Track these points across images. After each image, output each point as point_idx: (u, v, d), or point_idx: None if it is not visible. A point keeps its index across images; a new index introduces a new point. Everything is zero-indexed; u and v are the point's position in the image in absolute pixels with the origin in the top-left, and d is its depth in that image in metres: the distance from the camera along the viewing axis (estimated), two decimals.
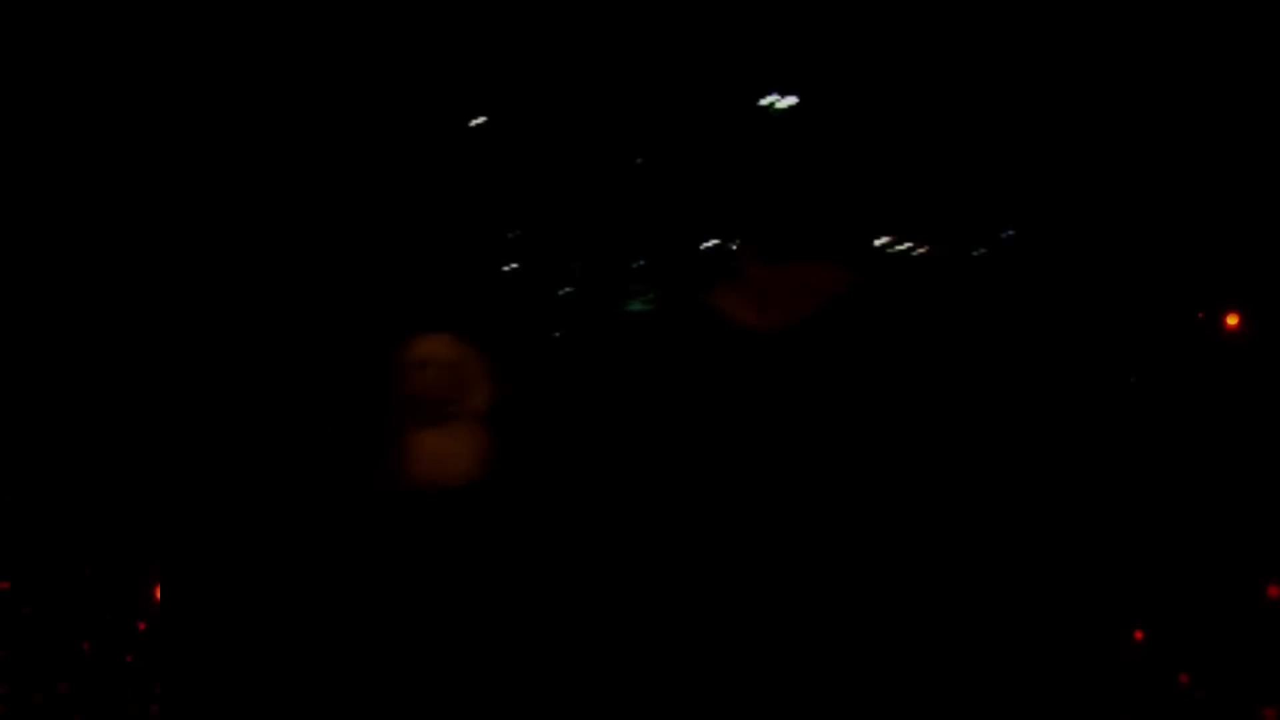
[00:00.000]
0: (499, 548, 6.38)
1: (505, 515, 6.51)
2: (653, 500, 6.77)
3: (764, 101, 21.83)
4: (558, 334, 18.14)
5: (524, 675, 6.74)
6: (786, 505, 7.72)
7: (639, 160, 23.55)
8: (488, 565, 6.29)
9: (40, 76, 11.65)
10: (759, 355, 6.55)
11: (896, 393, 10.49)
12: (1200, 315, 10.61)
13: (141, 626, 8.40)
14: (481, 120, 22.04)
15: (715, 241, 23.50)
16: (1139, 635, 6.99)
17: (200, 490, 9.02)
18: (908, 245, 25.04)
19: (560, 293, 18.96)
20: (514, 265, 20.00)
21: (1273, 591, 6.95)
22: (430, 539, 6.35)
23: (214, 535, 8.72)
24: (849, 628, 6.79)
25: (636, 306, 19.30)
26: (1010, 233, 21.41)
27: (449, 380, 6.45)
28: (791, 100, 21.88)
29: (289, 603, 7.77)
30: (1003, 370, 14.27)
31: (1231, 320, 10.12)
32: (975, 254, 23.14)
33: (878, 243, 24.31)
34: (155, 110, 14.10)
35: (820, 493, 7.97)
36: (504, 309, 18.14)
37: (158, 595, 7.70)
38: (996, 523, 8.93)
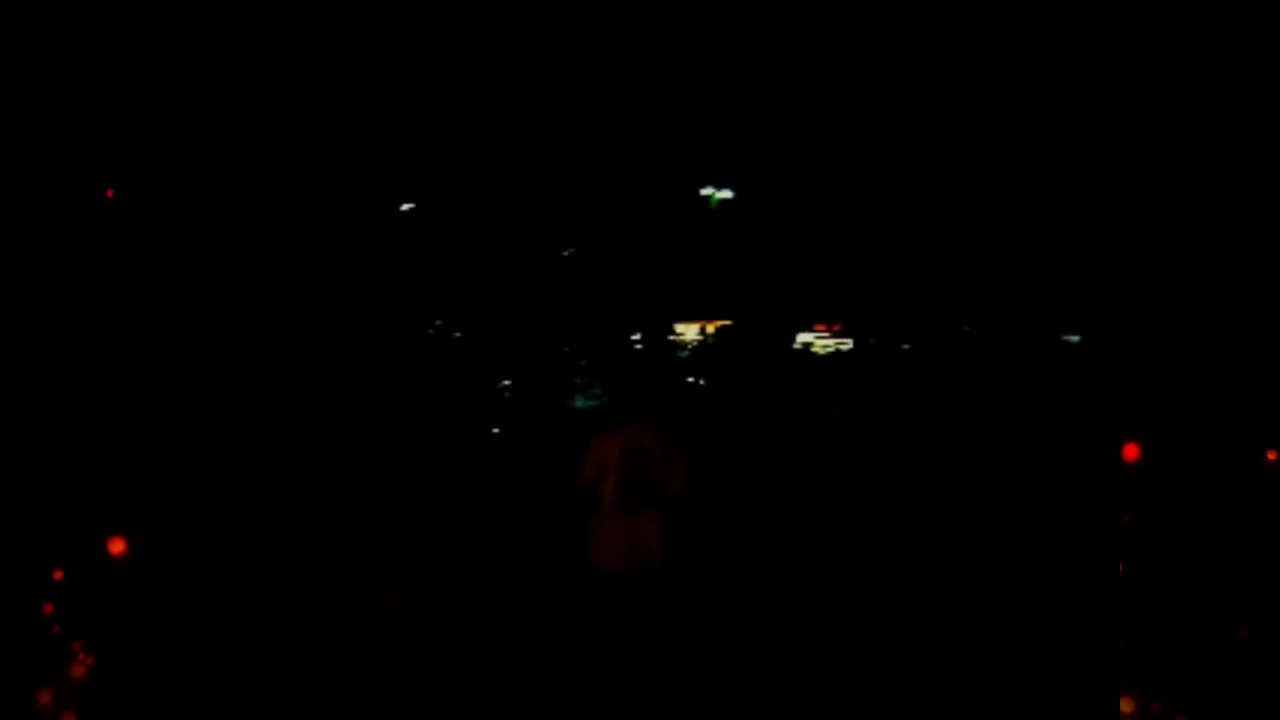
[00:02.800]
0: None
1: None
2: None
3: (704, 192, 21.53)
4: (496, 430, 17.27)
5: None
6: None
7: (568, 253, 22.96)
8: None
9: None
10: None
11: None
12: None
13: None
14: (410, 209, 21.24)
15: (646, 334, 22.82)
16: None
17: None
18: (836, 332, 24.65)
19: (501, 386, 18.27)
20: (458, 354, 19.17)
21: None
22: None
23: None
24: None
25: (580, 404, 18.61)
26: (969, 329, 21.25)
27: (663, 470, 6.54)
28: (727, 193, 21.65)
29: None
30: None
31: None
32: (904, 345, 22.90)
33: (807, 336, 23.93)
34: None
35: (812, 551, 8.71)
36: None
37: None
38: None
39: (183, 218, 14.97)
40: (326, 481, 10.78)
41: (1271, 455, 9.44)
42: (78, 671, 6.10)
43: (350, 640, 7.23)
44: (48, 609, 6.59)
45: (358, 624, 7.48)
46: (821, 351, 25.73)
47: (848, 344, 27.09)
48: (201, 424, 11.18)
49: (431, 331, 18.88)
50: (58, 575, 7.06)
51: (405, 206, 19.77)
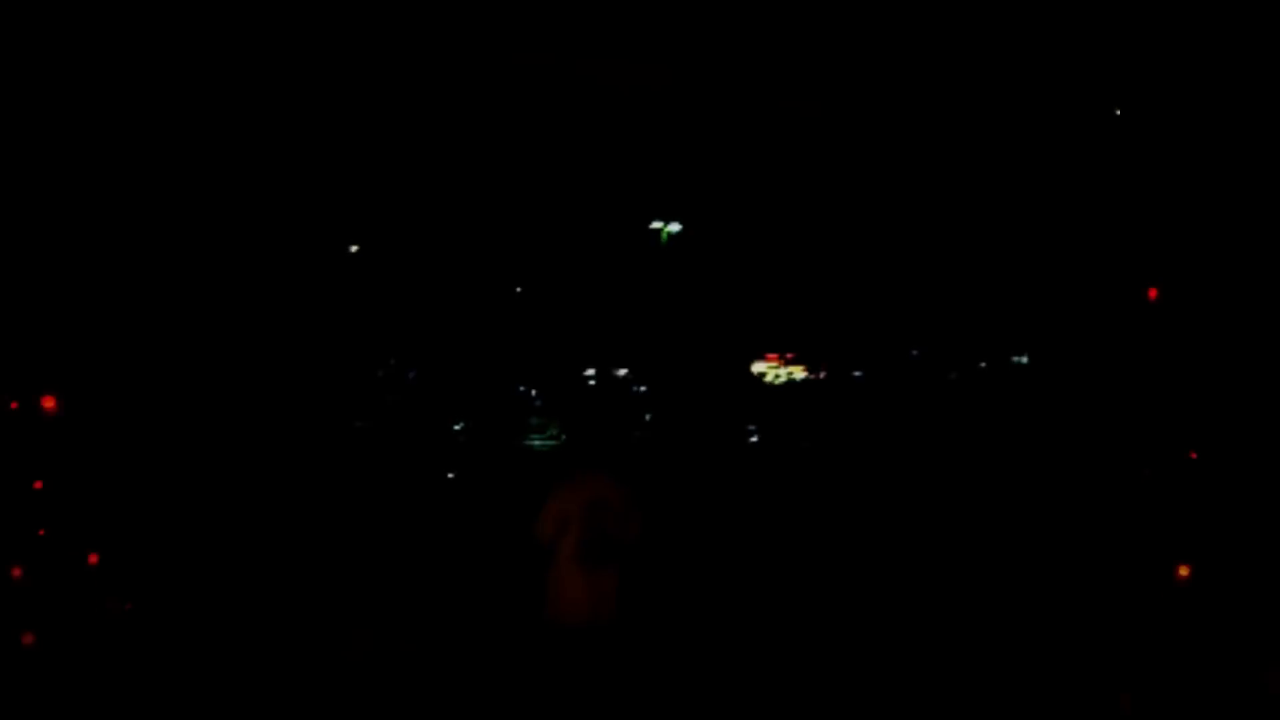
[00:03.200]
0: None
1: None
2: None
3: (653, 226, 21.56)
4: (451, 474, 17.12)
5: None
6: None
7: (519, 289, 22.87)
8: None
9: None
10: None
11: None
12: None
13: None
14: (358, 250, 21.09)
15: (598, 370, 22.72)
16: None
17: None
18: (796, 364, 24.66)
19: (456, 428, 18.15)
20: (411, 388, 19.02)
21: None
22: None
23: None
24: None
25: (536, 442, 18.52)
26: (915, 353, 21.41)
27: (622, 522, 6.36)
28: (676, 227, 21.69)
29: None
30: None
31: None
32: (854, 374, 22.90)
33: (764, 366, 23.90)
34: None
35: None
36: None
37: None
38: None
39: (131, 257, 14.82)
40: (281, 529, 10.62)
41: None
42: None
43: (315, 697, 7.03)
44: None
45: (322, 680, 7.28)
46: (774, 381, 25.89)
47: (800, 373, 27.29)
48: (157, 477, 11.02)
49: (382, 373, 18.78)
50: None
51: (353, 248, 19.70)
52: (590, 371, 22.01)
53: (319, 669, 7.27)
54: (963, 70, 15.79)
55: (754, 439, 16.53)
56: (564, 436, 17.96)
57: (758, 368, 26.71)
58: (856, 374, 23.80)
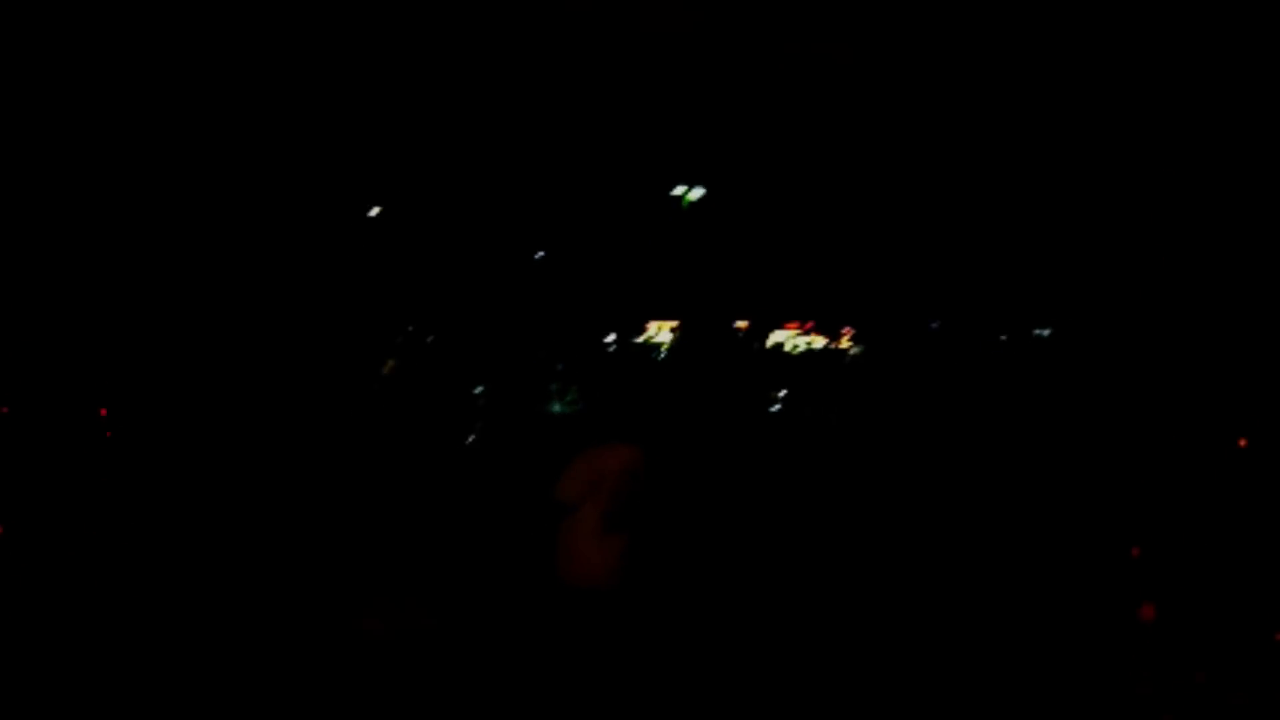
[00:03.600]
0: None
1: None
2: None
3: (675, 192, 21.43)
4: (471, 438, 17.15)
5: None
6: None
7: (540, 254, 22.81)
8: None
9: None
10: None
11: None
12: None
13: None
14: (379, 214, 21.02)
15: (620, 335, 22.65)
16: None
17: None
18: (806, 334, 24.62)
19: (476, 392, 18.14)
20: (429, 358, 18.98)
21: None
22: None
23: None
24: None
25: (556, 407, 18.50)
26: (935, 324, 21.33)
27: (641, 486, 6.31)
28: (699, 192, 21.56)
29: None
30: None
31: None
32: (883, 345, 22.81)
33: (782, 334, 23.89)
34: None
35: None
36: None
37: None
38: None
39: (139, 231, 14.82)
40: (292, 500, 10.43)
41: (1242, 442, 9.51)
42: None
43: (323, 680, 6.61)
44: None
45: (331, 661, 6.83)
46: (793, 351, 25.77)
47: (820, 343, 27.16)
48: (165, 441, 10.95)
49: (402, 339, 18.75)
50: None
51: (373, 211, 19.65)
52: (611, 337, 21.95)
53: (334, 641, 7.16)
54: (996, 27, 15.61)
55: (775, 408, 16.44)
56: (584, 403, 17.87)
57: (777, 336, 26.62)
58: (878, 344, 23.71)
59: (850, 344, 24.15)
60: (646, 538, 6.27)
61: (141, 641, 6.85)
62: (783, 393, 16.63)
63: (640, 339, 23.05)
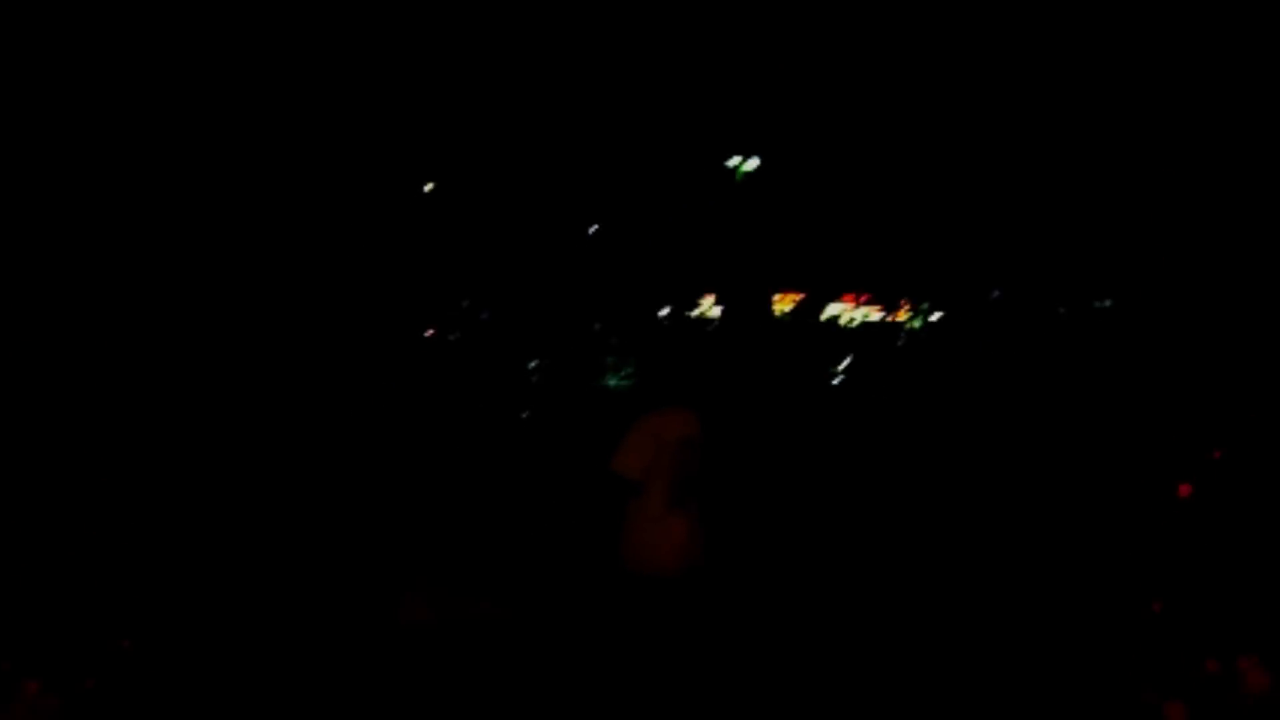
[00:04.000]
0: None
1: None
2: None
3: (729, 163, 21.17)
4: (526, 413, 17.07)
5: None
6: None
7: (595, 228, 22.65)
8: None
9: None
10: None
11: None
12: None
13: None
14: (434, 188, 20.94)
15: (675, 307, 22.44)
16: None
17: None
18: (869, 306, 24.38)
19: (530, 366, 18.07)
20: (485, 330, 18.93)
21: None
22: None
23: None
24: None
25: (612, 382, 18.39)
26: (996, 293, 20.98)
27: (704, 461, 5.90)
28: (754, 163, 21.29)
29: None
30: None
31: None
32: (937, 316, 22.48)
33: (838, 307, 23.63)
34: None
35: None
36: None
37: None
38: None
39: (201, 196, 14.84)
40: (333, 475, 9.60)
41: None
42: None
43: (356, 671, 6.11)
44: None
45: (365, 651, 6.33)
46: (849, 325, 25.42)
47: (876, 315, 26.77)
48: (202, 409, 10.71)
49: (456, 314, 18.70)
50: None
51: (427, 187, 19.58)
52: (665, 310, 21.80)
53: (374, 631, 6.65)
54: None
55: (836, 381, 16.20)
56: (640, 377, 17.74)
57: (832, 309, 26.29)
58: (936, 316, 23.31)
59: (908, 317, 23.85)
60: (713, 516, 5.92)
61: (161, 632, 6.35)
62: (843, 365, 16.40)
63: (695, 312, 22.88)
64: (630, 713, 5.58)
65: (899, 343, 21.62)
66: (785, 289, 23.70)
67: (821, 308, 24.65)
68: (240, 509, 8.17)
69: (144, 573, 6.88)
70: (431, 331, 17.81)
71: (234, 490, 8.44)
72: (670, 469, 5.65)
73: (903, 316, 24.31)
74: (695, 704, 5.65)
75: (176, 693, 5.79)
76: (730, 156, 20.28)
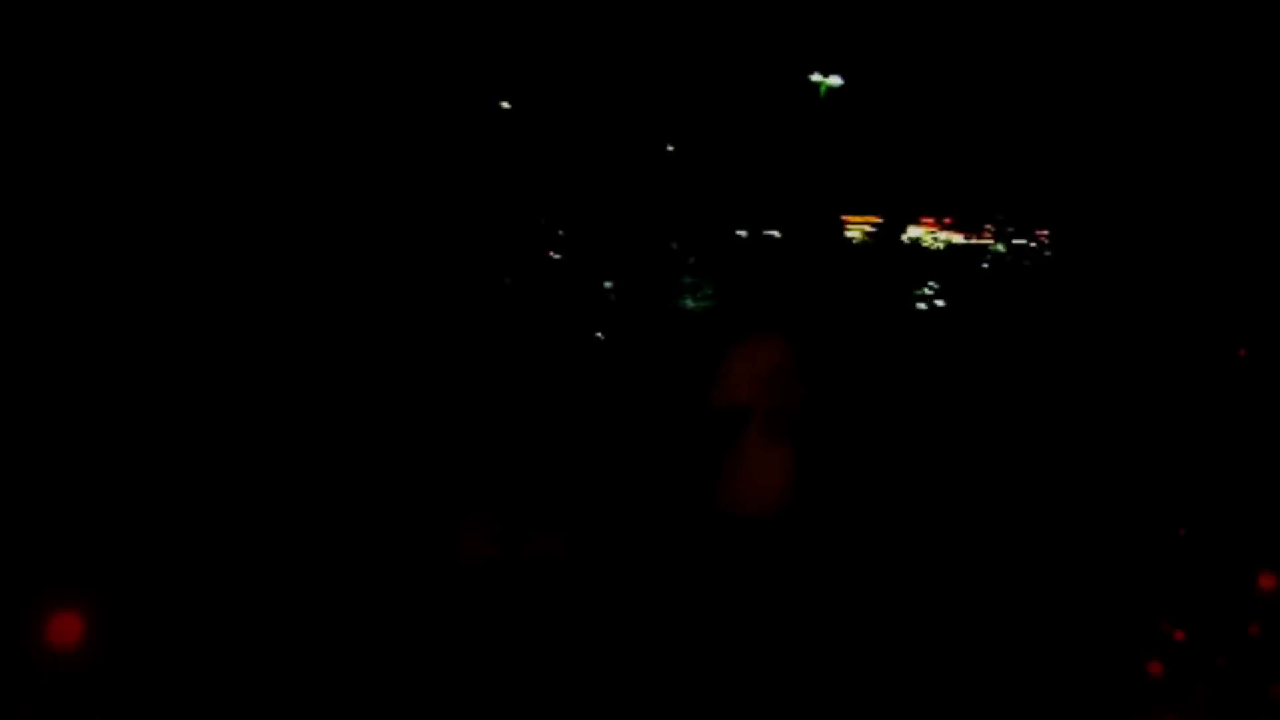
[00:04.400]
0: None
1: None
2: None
3: (812, 79, 20.63)
4: (600, 334, 16.86)
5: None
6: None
7: (670, 149, 22.29)
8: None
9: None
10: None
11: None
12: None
13: None
14: (510, 112, 20.70)
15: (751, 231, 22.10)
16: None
17: None
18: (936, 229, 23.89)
19: (606, 286, 17.83)
20: (558, 262, 18.71)
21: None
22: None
23: None
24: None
25: (690, 304, 18.12)
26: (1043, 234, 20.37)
27: (800, 394, 5.52)
28: (836, 80, 20.74)
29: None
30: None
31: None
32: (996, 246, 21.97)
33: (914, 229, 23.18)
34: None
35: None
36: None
37: None
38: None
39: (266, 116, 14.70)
40: (396, 399, 9.27)
41: None
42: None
43: (411, 607, 5.80)
44: None
45: (422, 587, 6.01)
46: (931, 246, 24.83)
47: (958, 239, 26.19)
48: (253, 315, 10.57)
49: (532, 233, 18.47)
50: None
51: (504, 105, 19.26)
52: (743, 232, 21.42)
53: (435, 565, 6.28)
54: None
55: (924, 305, 15.71)
56: (719, 299, 17.49)
57: (914, 232, 25.73)
58: (1021, 241, 22.68)
59: (993, 240, 23.25)
60: (807, 452, 5.58)
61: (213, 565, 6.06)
62: (928, 288, 15.96)
63: (774, 232, 22.46)
64: (691, 669, 5.24)
65: (982, 265, 21.11)
66: (860, 211, 23.19)
67: (902, 230, 24.10)
68: (300, 438, 7.87)
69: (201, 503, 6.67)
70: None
71: (295, 417, 8.20)
72: (765, 399, 5.36)
73: (986, 239, 23.69)
74: (763, 669, 5.27)
75: (233, 624, 5.55)
76: (811, 73, 19.76)
